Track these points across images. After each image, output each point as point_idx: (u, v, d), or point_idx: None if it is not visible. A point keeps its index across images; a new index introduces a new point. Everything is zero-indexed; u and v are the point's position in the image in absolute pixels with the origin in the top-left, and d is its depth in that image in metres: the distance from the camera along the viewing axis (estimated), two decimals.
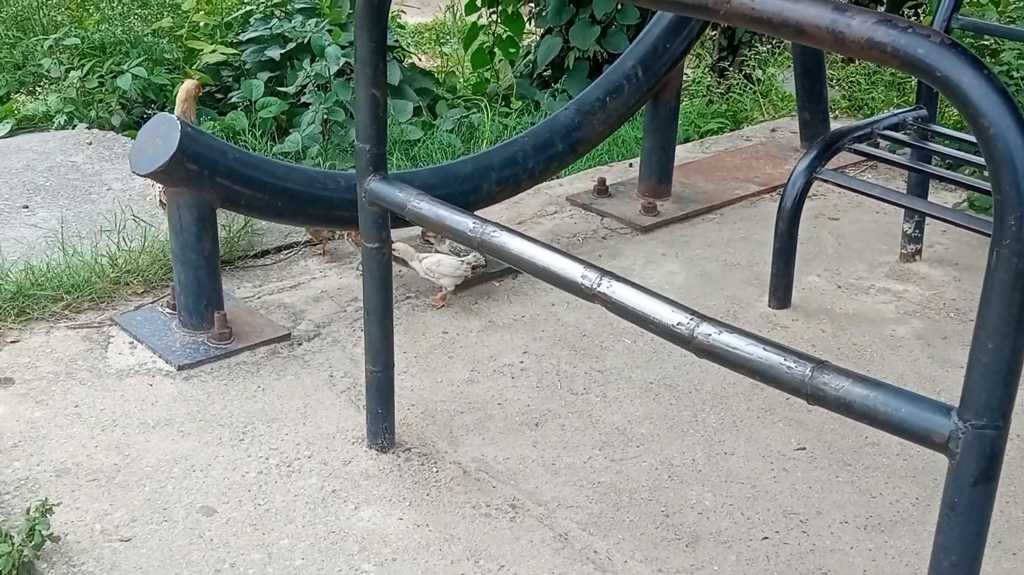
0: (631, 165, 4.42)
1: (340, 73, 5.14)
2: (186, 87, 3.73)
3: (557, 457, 2.59)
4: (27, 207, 3.90)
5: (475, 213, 2.21)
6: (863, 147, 3.18)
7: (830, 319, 3.25)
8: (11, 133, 4.82)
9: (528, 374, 2.93)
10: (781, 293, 3.28)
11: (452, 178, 3.33)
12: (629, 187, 4.12)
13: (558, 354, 3.03)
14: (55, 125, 4.92)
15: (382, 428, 2.56)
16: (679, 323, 1.76)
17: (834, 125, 4.61)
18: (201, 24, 5.73)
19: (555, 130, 3.58)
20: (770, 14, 1.45)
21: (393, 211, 2.29)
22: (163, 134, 2.79)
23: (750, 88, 5.64)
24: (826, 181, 3.14)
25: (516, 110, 5.67)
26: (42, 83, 5.25)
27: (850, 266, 3.60)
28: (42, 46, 5.19)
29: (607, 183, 4.10)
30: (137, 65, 5.05)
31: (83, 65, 5.07)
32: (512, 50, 6.25)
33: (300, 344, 3.03)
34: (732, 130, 5.17)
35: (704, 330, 1.73)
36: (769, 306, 3.30)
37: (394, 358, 2.52)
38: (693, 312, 1.76)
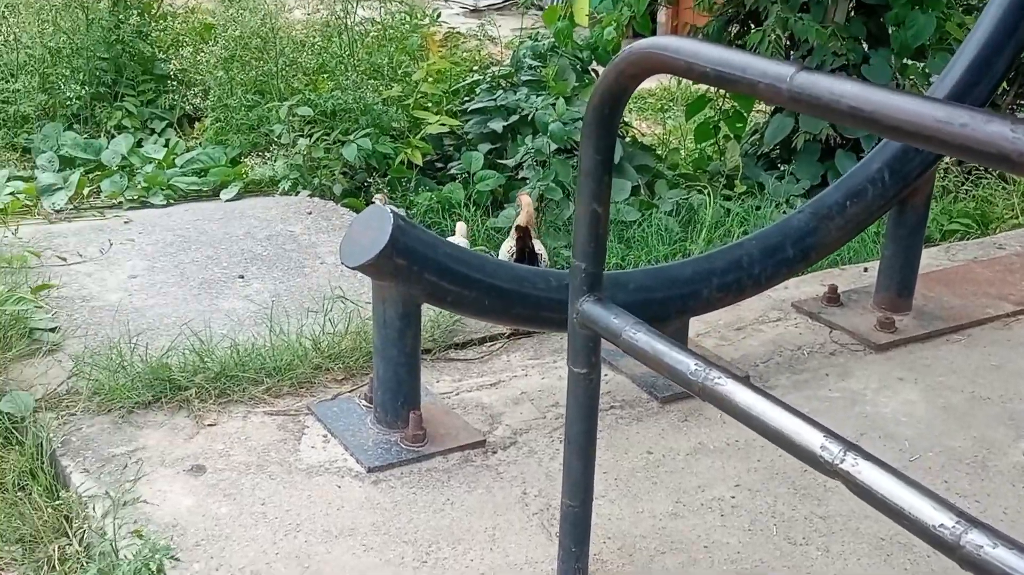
0: (866, 270, 4.05)
1: (561, 151, 5.02)
2: (528, 201, 4.07)
3: None
4: (242, 277, 3.94)
5: (695, 346, 1.97)
6: None
7: None
8: (238, 196, 4.95)
9: (740, 512, 2.64)
10: None
11: (670, 281, 3.11)
12: (863, 296, 3.76)
13: (775, 491, 2.72)
14: (280, 190, 5.01)
15: (574, 567, 2.32)
16: (942, 525, 1.46)
17: None
18: (428, 93, 5.75)
19: (787, 234, 3.29)
20: None
21: (605, 337, 2.08)
22: (376, 225, 2.70)
23: (1002, 186, 5.12)
24: None
25: (739, 193, 5.38)
26: (271, 147, 5.38)
27: None
28: (276, 112, 5.32)
29: (838, 290, 3.75)
30: (363, 136, 5.10)
31: (312, 133, 5.16)
32: (739, 125, 5.96)
33: (495, 452, 2.85)
34: (981, 234, 4.69)
35: (974, 539, 1.42)
36: None
37: (593, 490, 2.29)
38: (962, 513, 1.45)
